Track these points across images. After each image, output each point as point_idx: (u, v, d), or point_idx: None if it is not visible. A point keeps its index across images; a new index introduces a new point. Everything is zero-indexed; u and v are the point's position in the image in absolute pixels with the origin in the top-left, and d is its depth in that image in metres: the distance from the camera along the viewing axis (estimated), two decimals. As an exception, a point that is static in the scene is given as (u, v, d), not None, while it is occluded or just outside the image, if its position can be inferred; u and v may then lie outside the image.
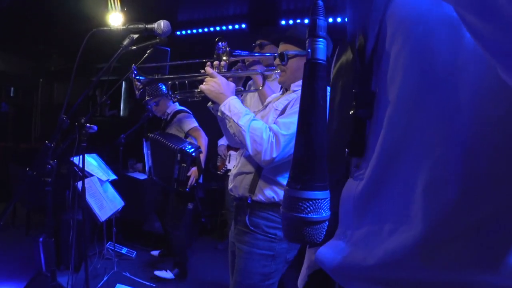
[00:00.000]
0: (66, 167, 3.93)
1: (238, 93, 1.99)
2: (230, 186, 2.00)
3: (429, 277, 0.59)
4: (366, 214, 0.67)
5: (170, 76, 2.00)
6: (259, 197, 1.86)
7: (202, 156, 3.72)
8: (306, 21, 4.95)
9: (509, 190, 0.54)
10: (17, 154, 7.09)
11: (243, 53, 2.26)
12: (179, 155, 3.39)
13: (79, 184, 2.60)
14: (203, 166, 3.71)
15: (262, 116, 1.99)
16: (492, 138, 0.54)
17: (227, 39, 2.14)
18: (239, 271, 1.87)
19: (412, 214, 0.59)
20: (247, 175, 1.90)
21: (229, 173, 4.54)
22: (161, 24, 1.77)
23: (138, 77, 1.95)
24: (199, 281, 3.89)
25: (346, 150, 0.69)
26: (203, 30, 5.92)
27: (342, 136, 0.76)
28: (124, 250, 4.39)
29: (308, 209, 0.61)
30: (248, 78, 2.70)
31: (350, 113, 0.67)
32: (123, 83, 7.52)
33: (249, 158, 1.88)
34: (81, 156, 2.26)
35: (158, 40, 2.03)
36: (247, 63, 2.44)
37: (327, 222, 0.63)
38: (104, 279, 3.59)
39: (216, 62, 1.98)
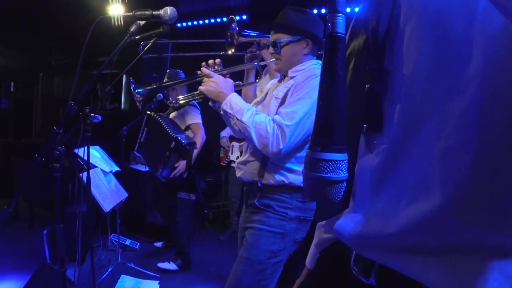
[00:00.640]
0: (69, 160, 3.92)
1: (237, 88, 1.99)
2: (238, 174, 2.02)
3: (447, 241, 0.61)
4: (384, 187, 0.69)
5: (169, 83, 2.02)
6: (269, 181, 1.88)
7: (194, 154, 3.70)
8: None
9: None
10: (19, 150, 7.07)
11: (253, 33, 2.25)
12: (173, 143, 3.33)
13: (84, 175, 2.60)
14: (192, 163, 3.69)
15: (263, 105, 2.00)
16: (504, 105, 0.55)
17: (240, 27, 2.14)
18: (247, 248, 1.89)
19: (430, 182, 0.61)
20: (254, 162, 1.92)
21: (232, 164, 4.58)
22: (168, 11, 1.76)
23: (137, 90, 1.94)
24: (202, 272, 3.92)
25: (365, 126, 0.72)
26: (204, 21, 5.90)
27: (352, 117, 0.78)
28: (127, 242, 4.41)
29: (328, 169, 0.65)
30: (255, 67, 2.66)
31: (366, 88, 0.70)
32: (124, 76, 7.50)
33: (255, 147, 1.88)
34: (85, 147, 2.26)
35: (161, 29, 2.03)
36: (261, 44, 2.38)
37: (345, 183, 0.67)
38: (109, 270, 3.62)
39: (211, 61, 1.98)
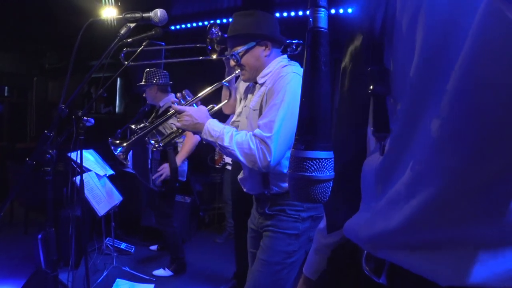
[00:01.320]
0: (63, 164, 3.91)
1: (212, 112, 1.97)
2: (244, 189, 2.04)
3: (445, 235, 0.60)
4: (387, 184, 0.68)
5: (145, 131, 2.00)
6: (275, 189, 1.89)
7: (181, 157, 3.68)
8: (300, 13, 4.95)
9: None
10: (14, 154, 7.04)
11: None
12: (149, 147, 3.36)
13: (77, 179, 2.59)
14: (177, 165, 3.66)
15: (247, 118, 1.99)
16: (497, 96, 0.53)
17: (222, 31, 2.12)
18: (264, 250, 1.92)
19: (426, 175, 0.60)
20: (255, 177, 1.93)
21: (227, 166, 4.56)
22: (158, 13, 1.77)
23: (117, 151, 1.95)
24: (198, 275, 3.91)
25: (371, 128, 0.70)
26: (197, 24, 5.90)
27: (354, 120, 0.79)
28: (123, 245, 4.39)
29: (312, 168, 0.63)
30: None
31: (369, 90, 0.68)
32: (118, 79, 7.48)
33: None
34: (78, 150, 2.25)
35: (153, 32, 2.03)
36: None
37: (331, 182, 0.65)
38: (104, 274, 3.60)
39: (178, 94, 1.98)
